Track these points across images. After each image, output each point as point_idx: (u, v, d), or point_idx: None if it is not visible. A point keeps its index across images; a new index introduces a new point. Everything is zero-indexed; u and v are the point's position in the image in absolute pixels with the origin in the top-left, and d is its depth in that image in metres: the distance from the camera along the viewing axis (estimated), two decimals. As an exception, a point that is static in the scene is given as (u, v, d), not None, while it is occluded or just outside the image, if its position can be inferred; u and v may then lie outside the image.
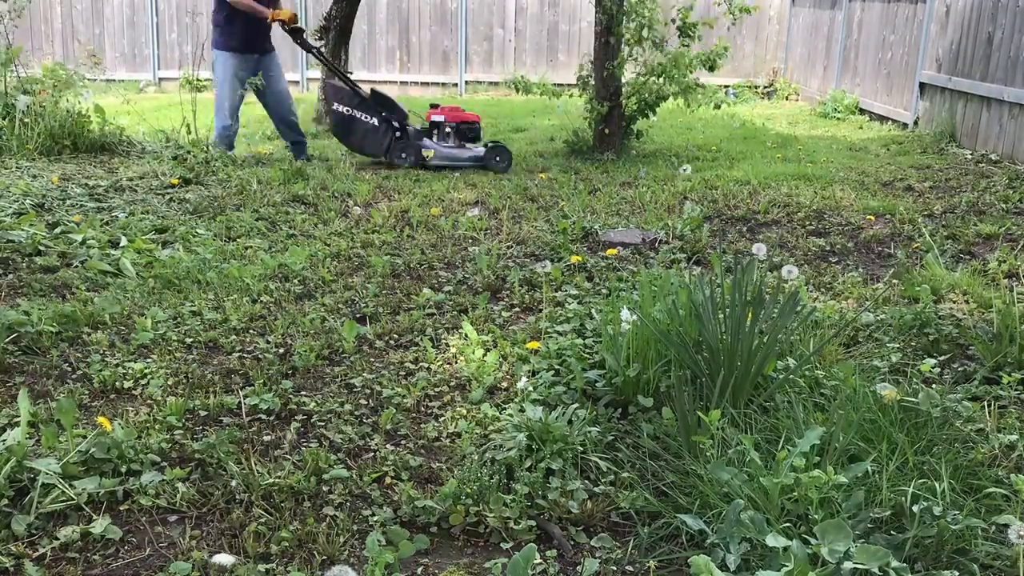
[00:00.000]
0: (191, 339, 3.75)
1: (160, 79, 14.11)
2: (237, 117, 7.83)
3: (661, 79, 8.12)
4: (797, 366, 3.11)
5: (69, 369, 3.45)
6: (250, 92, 7.51)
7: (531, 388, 3.25)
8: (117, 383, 3.32)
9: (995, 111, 8.11)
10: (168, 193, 6.37)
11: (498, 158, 7.75)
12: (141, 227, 5.36)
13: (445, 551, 2.43)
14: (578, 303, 4.16)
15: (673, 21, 8.13)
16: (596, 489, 2.64)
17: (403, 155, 7.71)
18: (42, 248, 4.89)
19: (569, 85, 9.07)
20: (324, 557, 2.36)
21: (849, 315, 3.99)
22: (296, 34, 7.58)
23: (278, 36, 7.79)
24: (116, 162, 7.43)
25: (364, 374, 3.47)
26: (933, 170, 7.60)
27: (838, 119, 10.90)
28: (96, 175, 6.85)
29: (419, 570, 2.35)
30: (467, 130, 7.94)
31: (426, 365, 3.57)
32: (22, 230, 5.08)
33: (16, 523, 2.41)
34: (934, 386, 3.18)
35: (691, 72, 8.09)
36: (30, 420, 2.79)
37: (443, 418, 3.14)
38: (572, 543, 2.46)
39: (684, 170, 6.54)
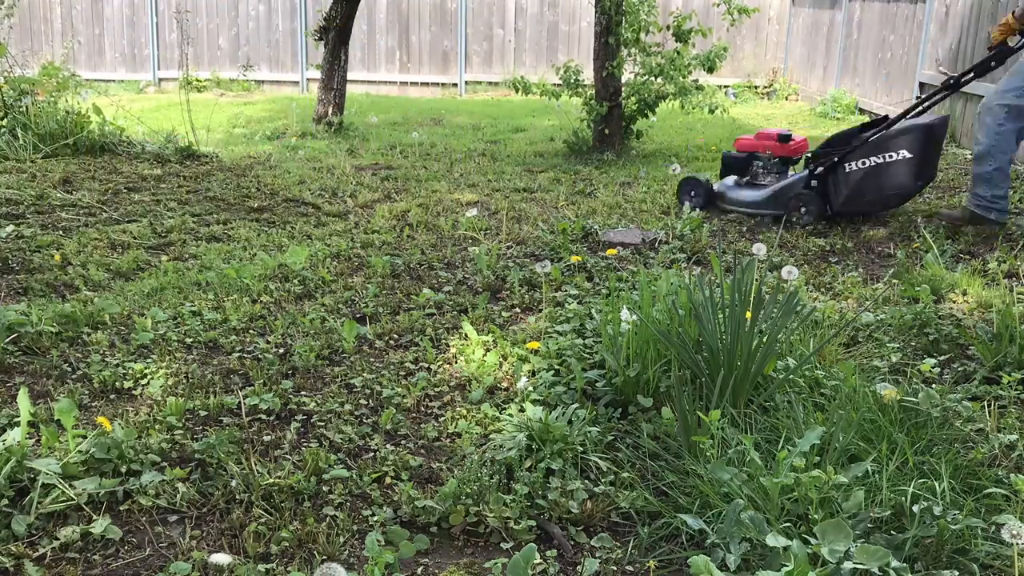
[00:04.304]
0: (191, 339, 3.75)
1: (160, 79, 14.11)
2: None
3: (659, 79, 8.14)
4: (797, 366, 3.11)
5: (69, 369, 3.45)
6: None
7: (531, 388, 3.25)
8: (117, 383, 3.32)
9: (995, 111, 8.11)
10: (169, 193, 6.37)
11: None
12: (141, 227, 5.36)
13: (445, 551, 2.43)
14: (578, 303, 4.16)
15: (668, 27, 8.15)
16: (596, 489, 2.64)
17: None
18: (42, 248, 4.89)
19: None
20: (324, 557, 2.36)
21: (849, 315, 3.98)
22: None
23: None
24: (116, 162, 7.43)
25: (364, 374, 3.47)
26: (933, 170, 7.59)
27: (838, 119, 10.90)
28: (96, 175, 6.85)
29: (419, 570, 2.35)
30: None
31: (426, 365, 3.57)
32: (21, 230, 5.08)
33: (16, 523, 2.41)
34: (934, 386, 3.18)
35: (688, 74, 8.10)
36: (30, 420, 2.79)
37: (443, 418, 3.14)
38: (572, 543, 2.46)
39: (675, 169, 6.54)
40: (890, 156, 5.52)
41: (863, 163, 5.59)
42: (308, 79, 13.72)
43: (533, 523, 2.49)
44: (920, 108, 5.67)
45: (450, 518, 2.49)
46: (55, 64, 8.47)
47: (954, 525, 2.21)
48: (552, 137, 9.39)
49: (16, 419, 2.88)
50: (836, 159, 5.67)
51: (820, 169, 5.72)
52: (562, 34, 13.95)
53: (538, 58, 13.98)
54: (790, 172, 6.12)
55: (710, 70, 8.25)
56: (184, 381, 3.35)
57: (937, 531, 2.22)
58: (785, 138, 6.10)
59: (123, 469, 2.68)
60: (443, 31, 13.95)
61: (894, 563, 2.05)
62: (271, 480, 2.64)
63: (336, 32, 9.37)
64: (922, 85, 9.56)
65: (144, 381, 3.33)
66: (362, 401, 3.26)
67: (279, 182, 6.86)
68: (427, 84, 14.04)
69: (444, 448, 2.96)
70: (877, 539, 2.22)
